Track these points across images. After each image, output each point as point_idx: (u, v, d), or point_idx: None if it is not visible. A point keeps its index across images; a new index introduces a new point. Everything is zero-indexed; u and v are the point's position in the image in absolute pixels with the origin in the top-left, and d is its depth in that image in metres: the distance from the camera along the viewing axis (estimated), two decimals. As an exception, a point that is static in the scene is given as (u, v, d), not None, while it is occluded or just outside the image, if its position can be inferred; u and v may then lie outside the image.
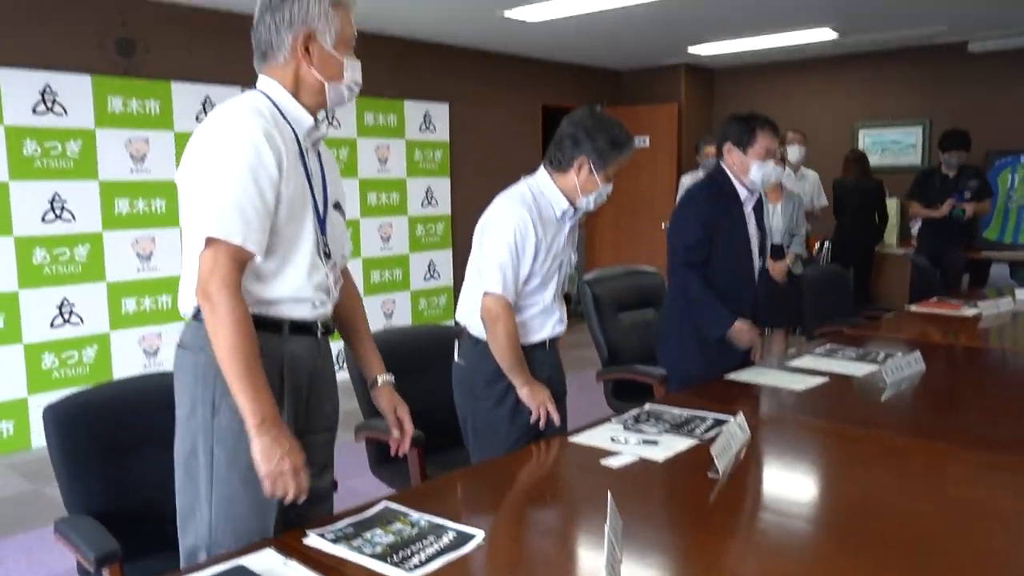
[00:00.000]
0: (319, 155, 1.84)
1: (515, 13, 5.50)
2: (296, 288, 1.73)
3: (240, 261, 1.61)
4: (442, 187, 6.73)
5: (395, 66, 6.31)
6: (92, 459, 1.97)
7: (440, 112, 6.65)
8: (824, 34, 6.49)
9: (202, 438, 1.69)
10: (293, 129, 1.74)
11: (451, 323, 2.64)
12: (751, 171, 3.03)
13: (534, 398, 2.38)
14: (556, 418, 2.38)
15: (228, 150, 1.62)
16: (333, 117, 5.84)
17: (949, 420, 2.52)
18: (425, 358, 2.83)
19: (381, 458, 2.71)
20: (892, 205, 6.97)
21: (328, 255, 1.81)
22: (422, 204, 6.58)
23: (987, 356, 3.45)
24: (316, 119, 1.80)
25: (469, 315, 2.49)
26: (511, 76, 7.32)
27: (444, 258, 6.78)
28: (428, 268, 6.66)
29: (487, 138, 7.11)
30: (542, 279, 2.45)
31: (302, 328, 1.77)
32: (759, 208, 3.22)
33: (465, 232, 6.88)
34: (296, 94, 1.75)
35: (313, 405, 1.83)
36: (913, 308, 4.38)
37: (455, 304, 6.71)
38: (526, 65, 7.44)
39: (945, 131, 5.91)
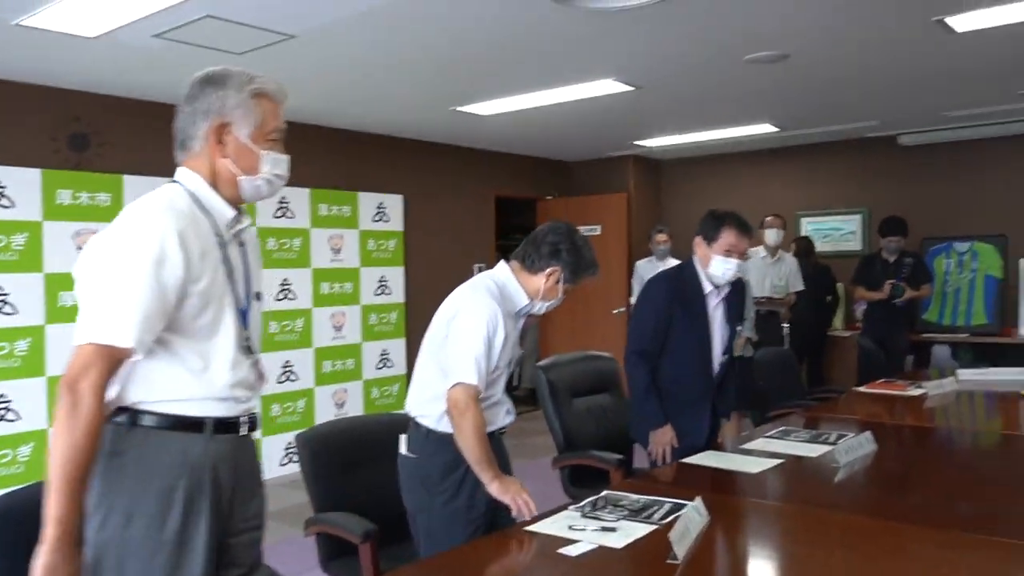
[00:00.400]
0: (243, 244, 1.81)
1: (466, 108, 5.66)
2: (219, 386, 1.69)
3: (117, 361, 1.55)
4: (396, 276, 6.75)
5: (349, 158, 6.40)
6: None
7: (394, 203, 6.73)
8: (764, 128, 6.79)
9: (112, 550, 1.60)
10: (214, 221, 1.71)
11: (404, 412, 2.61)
12: (712, 265, 3.14)
13: (507, 491, 2.33)
14: (534, 508, 2.29)
15: (131, 247, 1.57)
16: (284, 207, 5.88)
17: (904, 499, 2.53)
18: (376, 448, 2.78)
19: (332, 553, 2.62)
20: (838, 289, 7.19)
21: (251, 349, 1.78)
22: (375, 293, 6.58)
23: (935, 435, 3.51)
24: (239, 210, 1.77)
25: (421, 405, 2.47)
26: (464, 167, 7.47)
27: (397, 347, 6.74)
28: (381, 357, 6.60)
29: (441, 228, 7.19)
30: (499, 372, 2.47)
31: (226, 426, 1.72)
32: (733, 301, 3.30)
33: (419, 320, 6.89)
34: (214, 185, 1.72)
35: (236, 505, 1.76)
36: (861, 389, 4.46)
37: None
38: (479, 156, 7.62)
39: (884, 218, 6.19)
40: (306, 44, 4.03)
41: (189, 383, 1.66)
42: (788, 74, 4.85)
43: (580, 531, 2.11)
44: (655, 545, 1.98)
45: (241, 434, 1.76)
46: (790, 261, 6.24)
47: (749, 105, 5.90)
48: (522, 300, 2.49)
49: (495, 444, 2.51)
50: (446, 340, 2.43)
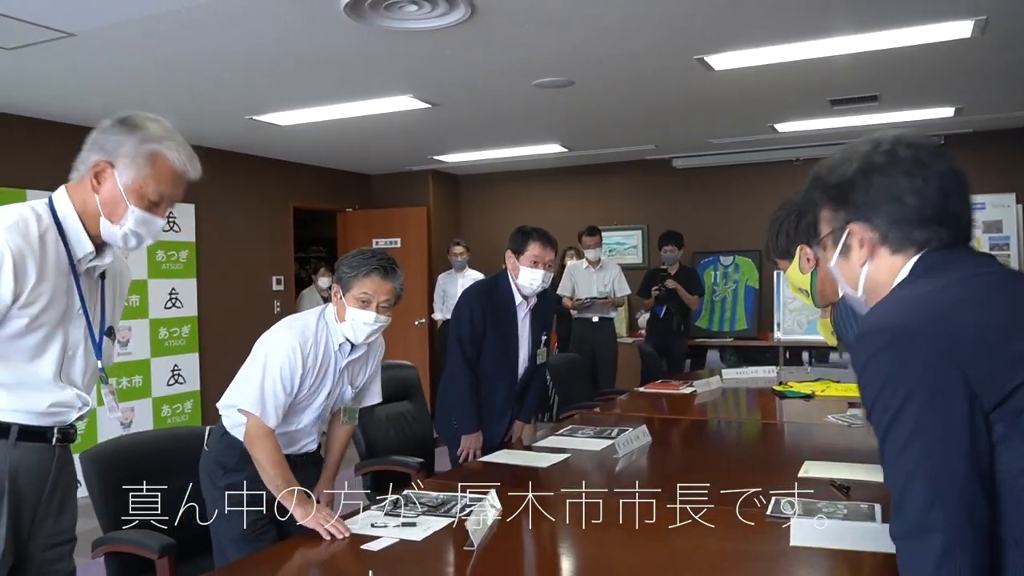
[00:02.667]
0: (103, 278, 1.81)
1: (263, 117, 5.57)
2: (31, 404, 1.66)
3: None
4: (188, 288, 6.47)
5: (135, 164, 6.06)
6: None
7: (185, 212, 6.46)
8: (554, 148, 7.22)
9: None
10: (71, 250, 1.71)
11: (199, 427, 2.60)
12: (521, 276, 3.39)
13: (312, 519, 2.20)
14: (345, 530, 2.18)
15: None
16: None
17: (670, 481, 2.84)
18: (169, 463, 2.69)
19: (123, 574, 2.53)
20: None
21: (105, 379, 1.80)
22: (166, 306, 6.27)
23: (704, 427, 3.93)
24: (102, 246, 1.77)
25: (228, 407, 2.47)
26: (261, 177, 7.30)
27: (190, 362, 6.45)
28: (172, 373, 6.30)
29: (236, 239, 6.98)
30: (305, 404, 2.50)
31: (33, 435, 1.67)
32: (539, 312, 3.55)
33: (213, 334, 6.66)
34: (82, 216, 1.73)
35: (44, 517, 1.71)
36: (641, 389, 4.88)
37: (203, 409, 6.41)
38: (277, 167, 7.47)
39: (661, 233, 6.79)
40: (87, 44, 3.83)
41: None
42: (574, 99, 5.22)
43: (382, 528, 2.21)
44: (453, 536, 2.12)
45: (52, 444, 1.71)
46: (613, 269, 6.72)
47: (539, 126, 6.26)
48: (338, 336, 2.49)
49: (302, 466, 2.54)
50: (253, 360, 2.44)
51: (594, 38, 3.97)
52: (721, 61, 4.34)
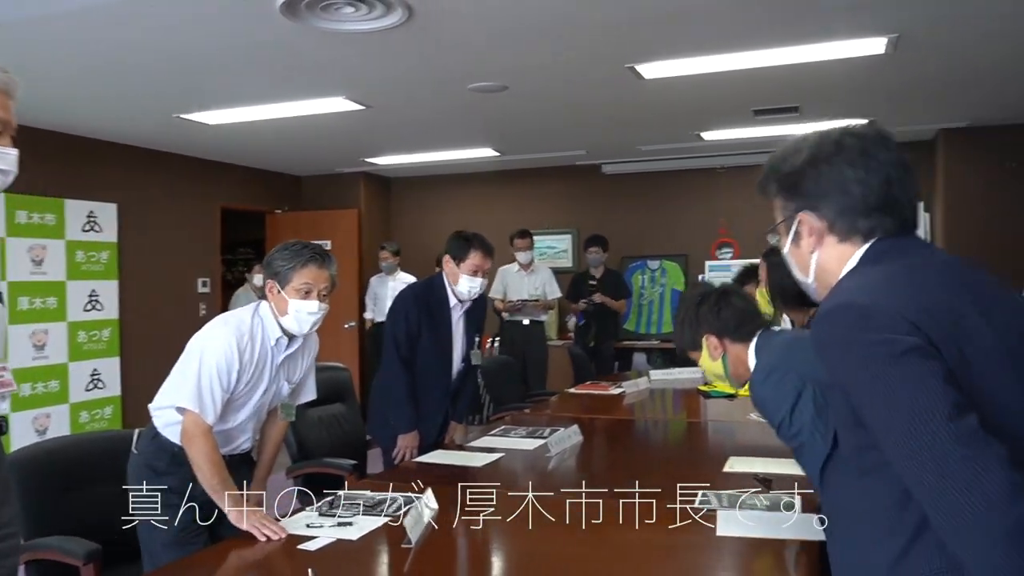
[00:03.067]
0: None
1: (191, 115, 5.46)
2: None
3: None
4: (109, 290, 6.27)
5: (55, 162, 5.87)
6: None
7: (107, 212, 6.26)
8: (486, 152, 7.27)
9: None
10: None
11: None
12: (460, 282, 3.43)
13: (247, 522, 2.19)
14: (280, 531, 2.18)
15: None
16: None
17: (600, 477, 2.93)
18: (94, 467, 2.62)
19: (47, 580, 2.46)
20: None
21: None
22: (85, 308, 6.07)
23: (631, 426, 4.03)
24: None
25: (158, 405, 2.43)
26: (187, 177, 7.13)
27: (110, 366, 6.26)
28: (92, 378, 6.10)
29: (161, 239, 6.81)
30: (242, 401, 2.48)
31: None
32: (473, 314, 3.61)
33: (135, 337, 6.49)
34: None
35: None
36: (571, 391, 4.96)
37: (124, 415, 6.23)
38: (204, 167, 7.31)
39: (587, 236, 6.91)
40: (8, 36, 3.70)
41: None
42: (507, 104, 5.28)
43: (318, 528, 2.21)
44: (390, 535, 2.14)
45: None
46: (544, 272, 6.78)
47: (472, 130, 6.30)
48: (275, 331, 2.48)
49: (235, 466, 2.51)
50: (187, 356, 2.41)
51: (529, 44, 4.03)
52: (651, 70, 4.46)
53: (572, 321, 7.51)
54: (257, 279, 7.10)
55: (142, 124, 5.77)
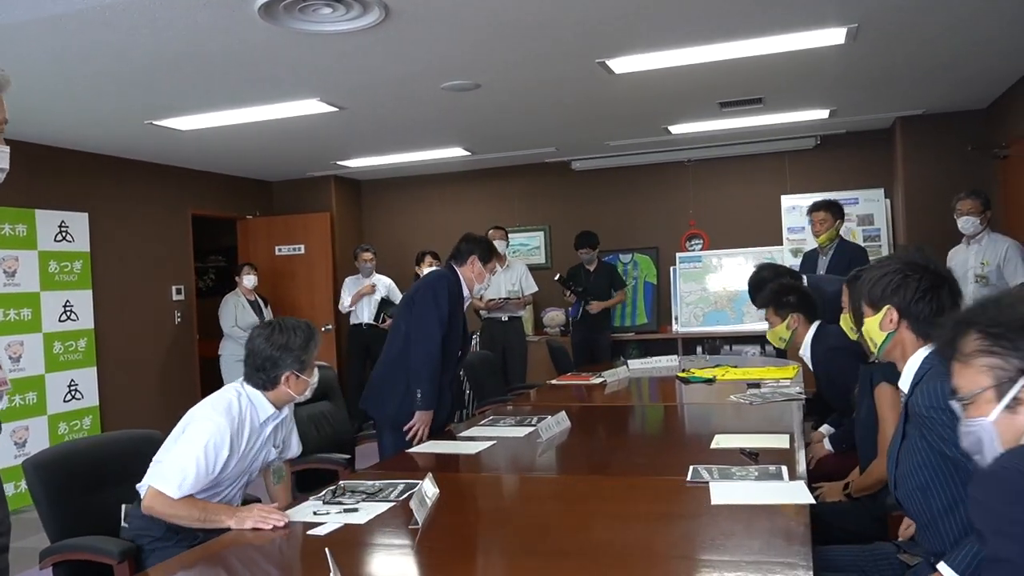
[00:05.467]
0: None
1: (163, 122, 5.45)
2: None
3: None
4: (83, 300, 6.23)
5: (25, 172, 5.82)
6: None
7: (79, 221, 6.22)
8: (457, 152, 7.33)
9: None
10: None
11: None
12: (481, 280, 3.71)
13: (245, 520, 2.25)
14: (283, 516, 2.25)
15: None
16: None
17: (593, 459, 3.02)
18: (120, 467, 2.61)
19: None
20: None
21: None
22: (60, 319, 6.02)
23: (616, 411, 4.12)
24: None
25: (143, 487, 2.41)
26: (158, 184, 7.09)
27: (88, 376, 6.20)
28: (69, 389, 6.05)
29: (134, 248, 6.76)
30: (231, 480, 2.51)
31: None
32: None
33: (112, 346, 6.46)
34: None
35: None
36: (553, 381, 5.05)
37: (102, 425, 6.20)
38: (174, 173, 7.28)
39: (578, 233, 7.01)
40: (-19, 44, 3.69)
41: None
42: (479, 102, 5.35)
43: (324, 515, 2.27)
44: (396, 517, 2.20)
45: None
46: (520, 267, 6.87)
47: (444, 130, 6.36)
48: (267, 410, 2.54)
49: None
50: (174, 442, 2.42)
51: (502, 41, 4.11)
52: (621, 65, 4.56)
53: (547, 315, 7.66)
54: (247, 280, 7.01)
55: (113, 132, 5.74)
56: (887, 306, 1.98)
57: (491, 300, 6.59)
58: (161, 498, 2.29)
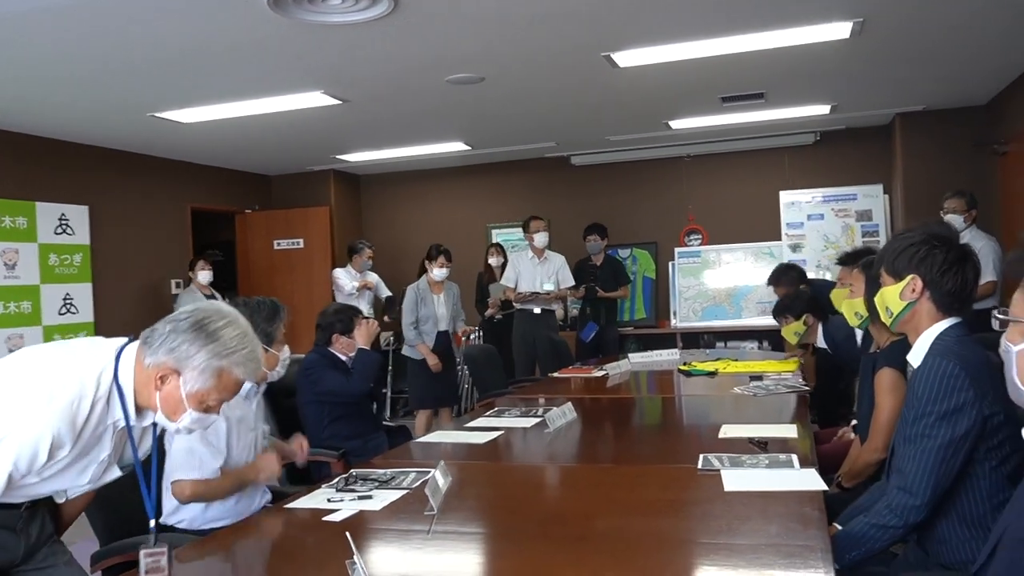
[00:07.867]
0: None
1: (165, 114, 5.44)
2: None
3: None
4: (83, 293, 6.22)
5: (26, 165, 5.80)
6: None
7: (79, 214, 6.20)
8: (457, 146, 7.33)
9: None
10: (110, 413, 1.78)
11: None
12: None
13: (267, 468, 2.53)
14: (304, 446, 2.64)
15: None
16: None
17: (602, 448, 3.03)
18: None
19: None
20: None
21: None
22: (60, 312, 6.01)
23: (620, 403, 4.14)
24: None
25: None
26: (158, 178, 7.08)
27: (87, 370, 6.19)
28: (69, 382, 6.03)
29: (133, 241, 6.76)
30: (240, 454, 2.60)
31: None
32: None
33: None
34: (137, 396, 1.78)
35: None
36: (556, 374, 5.06)
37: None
38: (173, 167, 7.27)
39: (584, 226, 7.12)
40: (-14, 34, 3.68)
41: None
42: (483, 96, 5.35)
43: (339, 502, 2.27)
44: (411, 503, 2.21)
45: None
46: (557, 260, 6.59)
47: (446, 124, 6.37)
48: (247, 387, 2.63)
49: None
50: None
51: (508, 34, 4.11)
52: (626, 58, 4.57)
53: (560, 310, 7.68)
54: (202, 276, 6.69)
55: (115, 125, 5.73)
56: (912, 275, 1.97)
57: (519, 293, 6.42)
58: (192, 485, 2.42)
